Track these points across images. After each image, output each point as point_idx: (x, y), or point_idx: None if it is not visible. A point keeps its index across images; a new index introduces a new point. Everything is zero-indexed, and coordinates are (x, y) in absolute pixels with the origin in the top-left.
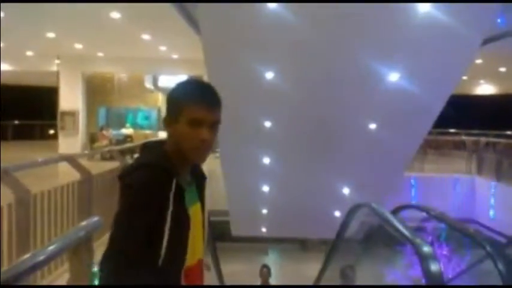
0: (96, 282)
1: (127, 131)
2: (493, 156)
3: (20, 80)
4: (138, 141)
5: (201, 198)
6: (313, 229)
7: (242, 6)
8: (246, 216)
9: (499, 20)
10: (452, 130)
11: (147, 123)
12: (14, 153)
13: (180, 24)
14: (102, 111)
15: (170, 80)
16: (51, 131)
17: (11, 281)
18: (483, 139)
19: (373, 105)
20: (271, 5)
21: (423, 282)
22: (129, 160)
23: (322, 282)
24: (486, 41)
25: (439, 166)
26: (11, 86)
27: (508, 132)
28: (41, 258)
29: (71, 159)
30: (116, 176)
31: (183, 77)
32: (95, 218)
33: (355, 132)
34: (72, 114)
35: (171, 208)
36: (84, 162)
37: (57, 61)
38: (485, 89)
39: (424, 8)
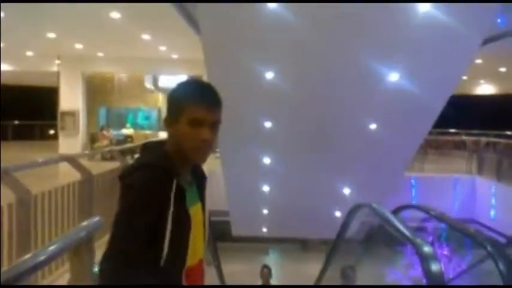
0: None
1: (127, 131)
2: (493, 156)
3: (21, 80)
4: (139, 142)
5: (202, 198)
6: (313, 229)
7: (242, 6)
8: (246, 216)
9: (499, 20)
10: (452, 130)
11: (147, 124)
12: (14, 154)
13: (180, 24)
14: (102, 111)
15: (170, 80)
16: (52, 131)
17: (11, 281)
18: (483, 139)
19: (374, 105)
20: (271, 5)
21: (424, 282)
22: (129, 160)
23: (323, 283)
24: (486, 41)
25: (439, 166)
26: (12, 86)
27: (508, 132)
28: (42, 258)
29: (72, 160)
30: (117, 176)
31: (183, 77)
32: (96, 218)
33: (356, 132)
34: (73, 114)
35: (171, 208)
36: (84, 162)
37: (57, 61)
38: (485, 89)
39: (424, 8)
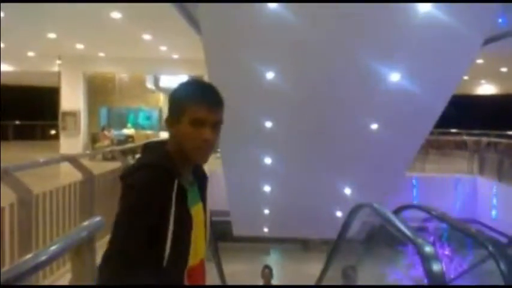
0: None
1: (128, 131)
2: (494, 156)
3: (22, 80)
4: (140, 142)
5: (203, 198)
6: (314, 229)
7: (243, 6)
8: (247, 216)
9: (500, 20)
10: (453, 130)
11: (148, 124)
12: (16, 154)
13: (181, 24)
14: (103, 112)
15: (171, 80)
16: (53, 131)
17: (11, 281)
18: (484, 139)
19: (375, 105)
20: (272, 5)
21: (425, 282)
22: (130, 160)
23: (324, 283)
24: (487, 41)
25: (440, 166)
26: (13, 86)
27: (510, 132)
28: (43, 258)
29: (73, 160)
30: (118, 176)
31: (184, 77)
32: (97, 218)
33: (357, 132)
34: (74, 114)
35: (173, 208)
36: (85, 162)
37: (58, 61)
38: (486, 89)
39: (424, 8)
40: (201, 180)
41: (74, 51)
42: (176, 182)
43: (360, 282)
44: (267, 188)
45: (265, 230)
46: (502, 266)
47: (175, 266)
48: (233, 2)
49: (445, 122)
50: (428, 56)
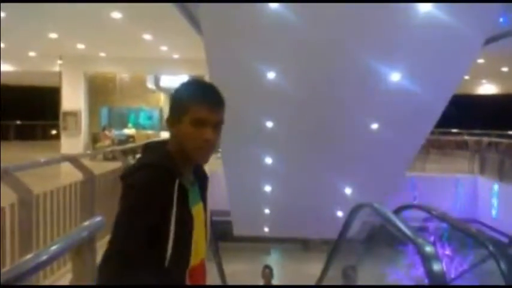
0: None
1: (129, 131)
2: (495, 156)
3: (22, 80)
4: (140, 142)
5: (204, 198)
6: (315, 229)
7: (243, 6)
8: (248, 216)
9: (501, 20)
10: (454, 130)
11: (149, 123)
12: (16, 154)
13: (182, 24)
14: (104, 111)
15: (172, 80)
16: (53, 131)
17: (12, 281)
18: (485, 139)
19: (375, 105)
20: (273, 5)
21: (425, 282)
22: (131, 160)
23: (324, 283)
24: (488, 41)
25: (441, 166)
26: (14, 86)
27: (510, 132)
28: (44, 258)
29: (74, 160)
30: (118, 176)
31: (184, 77)
32: (98, 218)
33: (357, 132)
34: (74, 114)
35: (174, 208)
36: (86, 162)
37: (59, 61)
38: (487, 88)
39: (425, 8)
40: (202, 180)
41: (74, 51)
42: (177, 182)
43: (360, 282)
44: (267, 188)
45: (266, 229)
46: (503, 266)
47: (177, 266)
48: (234, 2)
49: (446, 121)
50: (429, 56)
